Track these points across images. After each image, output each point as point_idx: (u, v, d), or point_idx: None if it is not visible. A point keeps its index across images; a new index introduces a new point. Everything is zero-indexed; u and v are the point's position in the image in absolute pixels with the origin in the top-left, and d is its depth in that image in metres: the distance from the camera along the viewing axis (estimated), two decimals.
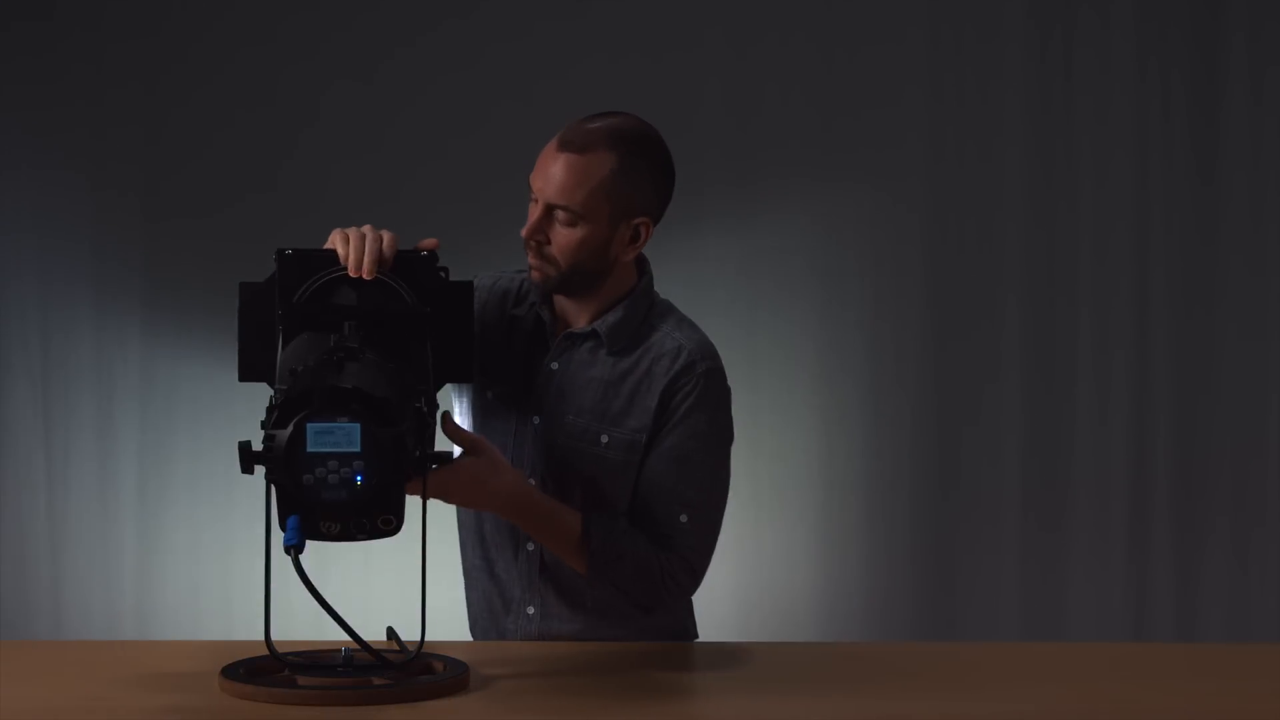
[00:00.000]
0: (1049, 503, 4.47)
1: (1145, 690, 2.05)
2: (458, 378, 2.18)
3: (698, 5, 4.51)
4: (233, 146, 4.58)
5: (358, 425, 1.83)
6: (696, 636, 2.45)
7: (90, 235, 4.61)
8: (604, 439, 2.29)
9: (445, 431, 2.09)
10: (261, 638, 1.97)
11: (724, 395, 2.34)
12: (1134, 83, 4.45)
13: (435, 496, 2.07)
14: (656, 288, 2.42)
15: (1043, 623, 4.44)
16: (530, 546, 2.33)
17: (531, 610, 2.35)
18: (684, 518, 2.28)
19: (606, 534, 2.24)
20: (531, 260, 2.29)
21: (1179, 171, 4.44)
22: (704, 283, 4.34)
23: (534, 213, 2.27)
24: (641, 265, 2.38)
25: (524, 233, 2.27)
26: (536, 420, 2.32)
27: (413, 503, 1.96)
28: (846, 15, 4.49)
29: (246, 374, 2.17)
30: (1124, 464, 4.45)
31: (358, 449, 1.83)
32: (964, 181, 4.49)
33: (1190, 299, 4.46)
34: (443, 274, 2.13)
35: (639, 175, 2.28)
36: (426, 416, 1.96)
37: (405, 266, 2.11)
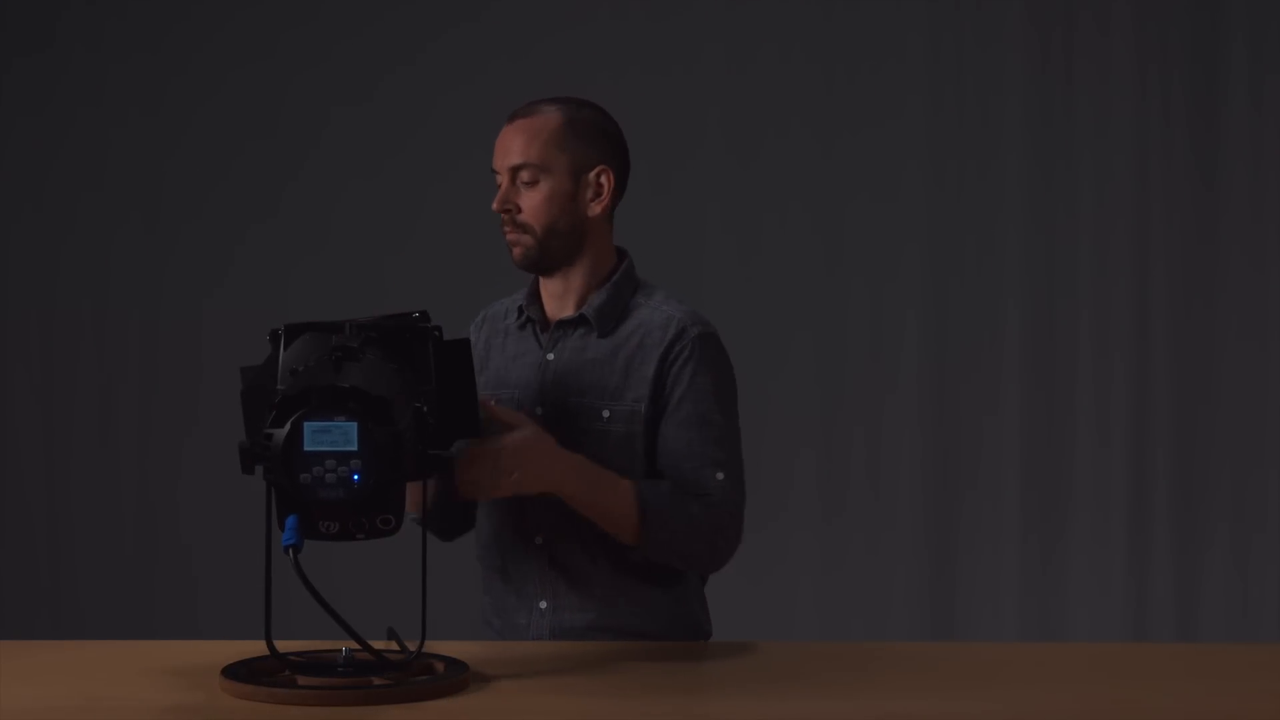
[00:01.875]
0: (1049, 503, 4.47)
1: (1145, 690, 2.05)
2: (466, 432, 2.17)
3: (697, 21, 4.52)
4: (233, 147, 4.59)
5: (355, 424, 1.83)
6: (710, 634, 2.45)
7: (92, 237, 4.62)
8: (605, 414, 2.32)
9: (491, 413, 2.16)
10: (262, 638, 1.97)
11: (721, 355, 2.39)
12: (1134, 88, 4.45)
13: (510, 467, 2.14)
14: (658, 297, 2.44)
15: (1043, 623, 4.44)
16: (539, 540, 2.35)
17: (544, 605, 2.36)
18: (720, 475, 2.31)
19: (657, 495, 2.26)
20: (508, 235, 2.37)
21: (1179, 175, 4.44)
22: (706, 287, 4.34)
23: (501, 187, 2.37)
24: (621, 254, 2.43)
25: (495, 205, 2.36)
26: (540, 411, 2.35)
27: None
28: (846, 25, 4.50)
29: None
30: (1124, 465, 4.45)
31: (355, 448, 1.83)
32: (965, 188, 4.50)
33: (1190, 303, 4.46)
34: (437, 334, 2.10)
35: (587, 127, 2.37)
36: (427, 416, 1.96)
37: (398, 332, 2.07)
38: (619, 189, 2.39)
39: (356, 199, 4.57)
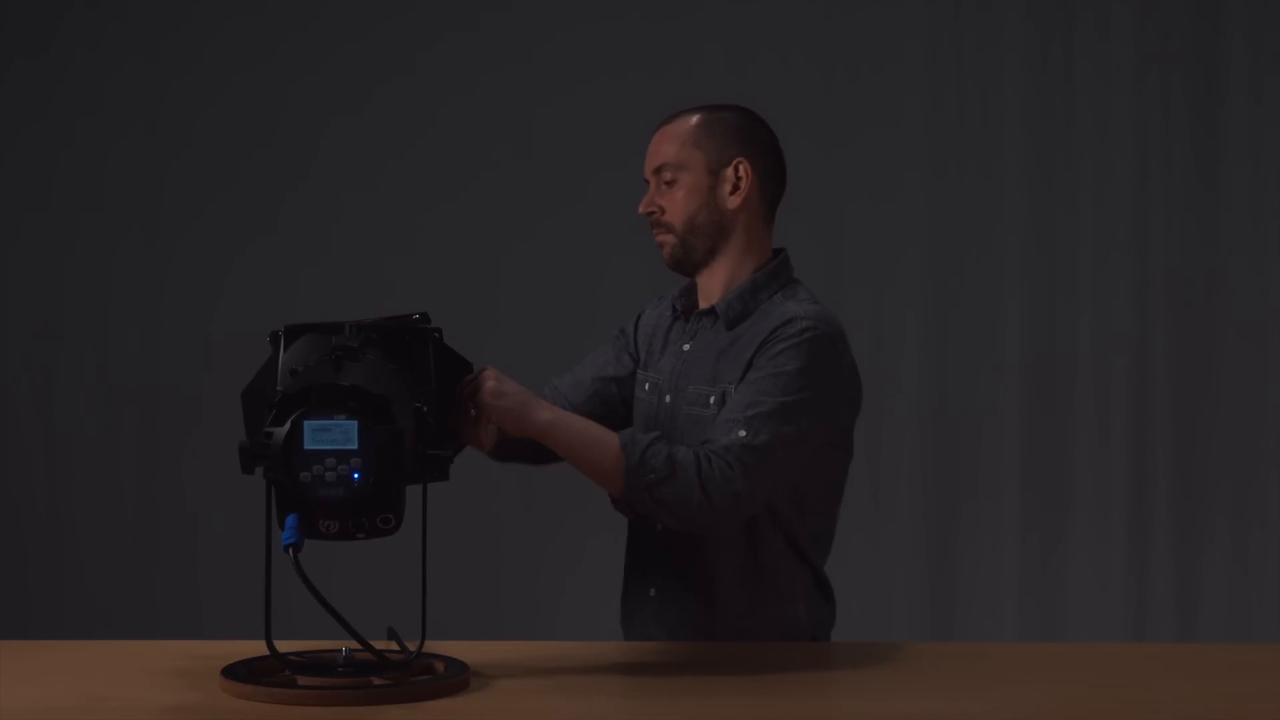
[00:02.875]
0: (1049, 503, 4.47)
1: (1145, 690, 2.05)
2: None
3: (696, 23, 4.52)
4: (231, 150, 4.60)
5: (355, 423, 1.83)
6: (827, 638, 2.44)
7: (91, 238, 4.62)
8: (712, 400, 2.33)
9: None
10: (262, 638, 1.97)
11: (825, 354, 2.33)
12: (1134, 90, 4.45)
13: (490, 399, 2.12)
14: (799, 296, 2.45)
15: (1043, 623, 4.44)
16: (659, 527, 2.34)
17: (653, 592, 2.39)
18: (741, 433, 2.22)
19: (639, 439, 2.20)
20: (656, 237, 2.43)
21: (1179, 177, 4.45)
22: None
23: (648, 192, 2.44)
24: (777, 253, 2.48)
25: (641, 207, 2.43)
26: (668, 399, 2.40)
27: (413, 502, 1.96)
28: (846, 26, 4.50)
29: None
30: (1124, 464, 4.46)
31: (355, 446, 1.83)
32: (965, 188, 4.50)
33: (1190, 302, 4.47)
34: (437, 335, 2.10)
35: (724, 125, 2.41)
36: (427, 416, 1.96)
37: (398, 332, 2.06)
38: (763, 184, 2.42)
39: (356, 205, 4.57)
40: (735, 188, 2.39)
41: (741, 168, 2.39)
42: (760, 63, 4.52)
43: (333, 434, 1.83)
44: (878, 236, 4.50)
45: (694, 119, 2.41)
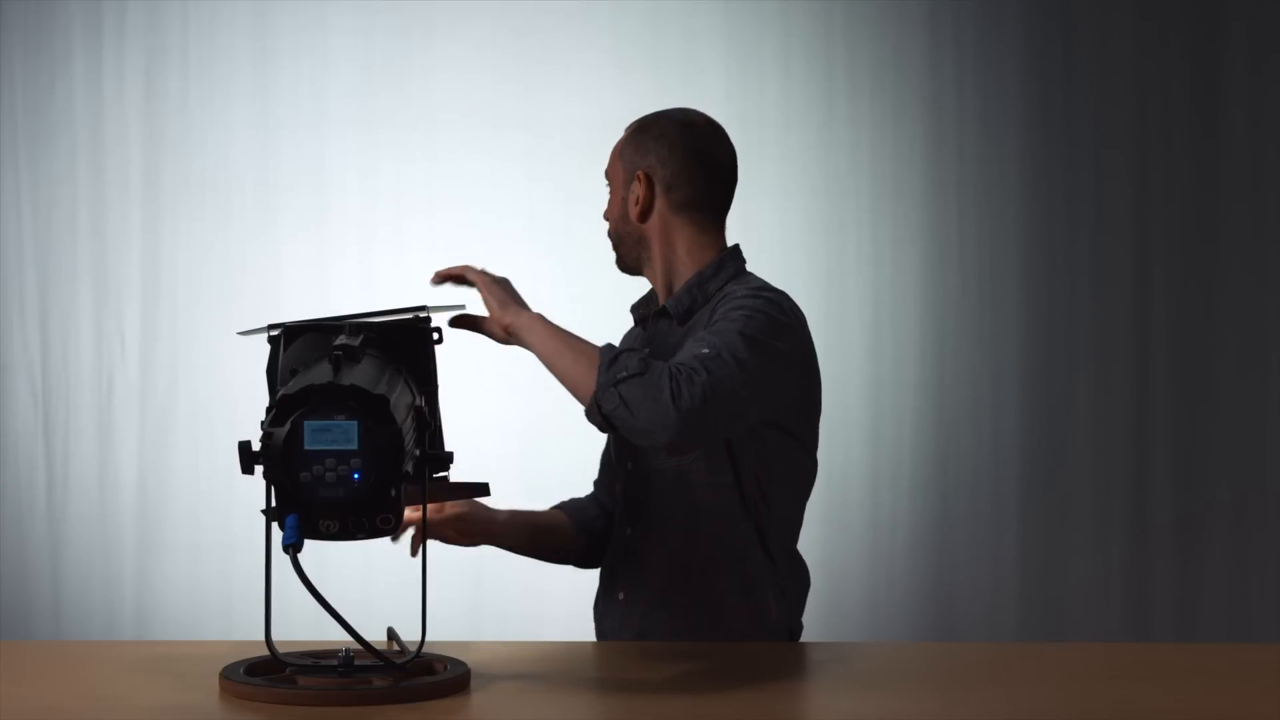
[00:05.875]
0: (1049, 502, 4.47)
1: (1145, 690, 2.05)
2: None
3: (697, 24, 4.53)
4: (230, 146, 4.59)
5: (355, 423, 1.83)
6: (798, 636, 2.47)
7: (90, 234, 4.61)
8: None
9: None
10: (261, 638, 1.97)
11: (772, 310, 2.33)
12: (1133, 59, 4.45)
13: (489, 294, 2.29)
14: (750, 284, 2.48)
15: (1043, 623, 4.44)
16: (628, 531, 2.42)
17: (622, 596, 2.43)
18: (705, 349, 2.23)
19: (615, 345, 2.25)
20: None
21: (1179, 148, 4.45)
22: None
23: None
24: (730, 250, 2.51)
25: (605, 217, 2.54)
26: None
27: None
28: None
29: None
30: (1124, 463, 4.45)
31: (355, 447, 1.83)
32: (965, 183, 4.49)
33: (1190, 298, 4.47)
34: (437, 334, 2.11)
35: (645, 140, 2.47)
36: (427, 417, 1.96)
37: (398, 332, 2.07)
38: (668, 192, 2.45)
39: (357, 198, 4.55)
40: (637, 201, 2.46)
41: (637, 183, 2.45)
42: (760, 57, 4.50)
43: (333, 434, 1.83)
44: (875, 226, 4.50)
45: (628, 132, 2.50)
